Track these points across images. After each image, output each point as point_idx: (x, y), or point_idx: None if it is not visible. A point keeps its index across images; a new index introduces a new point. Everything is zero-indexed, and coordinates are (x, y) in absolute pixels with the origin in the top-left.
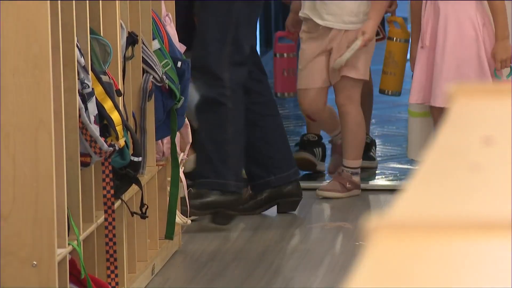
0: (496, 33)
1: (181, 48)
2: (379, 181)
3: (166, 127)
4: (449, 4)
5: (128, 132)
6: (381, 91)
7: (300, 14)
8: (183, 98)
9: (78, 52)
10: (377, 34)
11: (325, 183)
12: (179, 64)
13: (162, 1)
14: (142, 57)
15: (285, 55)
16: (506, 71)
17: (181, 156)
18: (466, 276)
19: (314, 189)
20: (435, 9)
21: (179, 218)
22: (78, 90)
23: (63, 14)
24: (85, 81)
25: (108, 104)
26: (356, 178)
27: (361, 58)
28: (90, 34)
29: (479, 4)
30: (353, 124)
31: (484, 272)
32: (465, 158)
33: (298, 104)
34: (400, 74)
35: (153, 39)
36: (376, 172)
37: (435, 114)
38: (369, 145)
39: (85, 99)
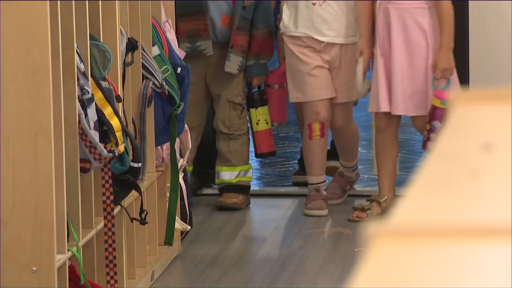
0: (440, 41)
1: (181, 54)
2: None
3: (165, 133)
4: (399, 11)
5: (128, 138)
6: None
7: (293, 34)
8: (182, 104)
9: (77, 58)
10: None
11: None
12: (178, 70)
13: (162, 7)
14: (142, 63)
15: (277, 86)
16: (444, 82)
17: (181, 162)
18: (466, 281)
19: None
20: (386, 16)
21: (179, 224)
22: (78, 96)
23: (62, 20)
24: (85, 87)
25: (107, 110)
26: (354, 173)
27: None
28: (90, 40)
29: (432, 12)
30: (349, 136)
31: (484, 278)
32: (465, 164)
33: (310, 114)
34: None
35: (153, 45)
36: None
37: (416, 122)
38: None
39: (84, 105)
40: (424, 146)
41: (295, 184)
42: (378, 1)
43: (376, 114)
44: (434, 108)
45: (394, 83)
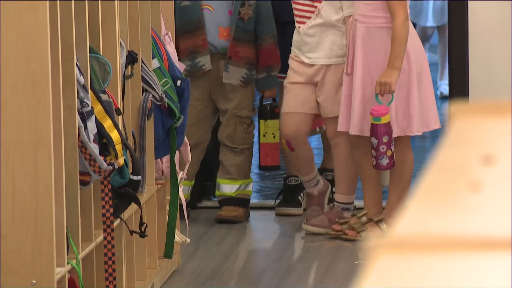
0: (389, 59)
1: (181, 66)
2: None
3: (165, 145)
4: (365, 29)
5: (128, 151)
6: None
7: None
8: (182, 116)
9: (77, 71)
10: None
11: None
12: (178, 82)
13: (162, 20)
14: (142, 75)
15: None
16: (388, 98)
17: (180, 175)
18: None
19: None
20: (353, 34)
21: (178, 237)
22: (78, 109)
23: (62, 32)
24: (85, 100)
25: (107, 123)
26: (348, 215)
27: None
28: (89, 52)
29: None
30: (344, 157)
31: None
32: (465, 176)
33: (280, 128)
34: None
35: (153, 58)
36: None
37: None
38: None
39: (84, 117)
40: (371, 163)
41: (278, 215)
42: (351, 18)
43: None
44: (371, 125)
45: (353, 102)
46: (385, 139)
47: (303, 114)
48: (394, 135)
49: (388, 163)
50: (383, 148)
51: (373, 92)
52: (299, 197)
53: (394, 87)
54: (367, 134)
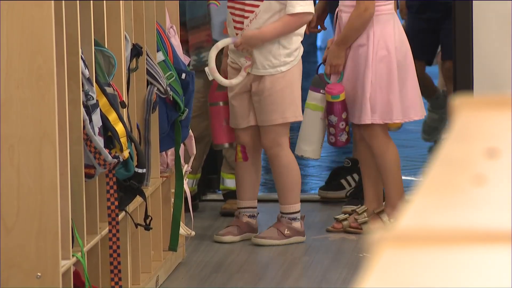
0: (337, 40)
1: (185, 59)
2: None
3: (170, 138)
4: (344, 20)
5: (132, 144)
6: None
7: (228, 61)
8: (187, 109)
9: (82, 64)
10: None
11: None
12: (183, 75)
13: (167, 13)
14: (147, 68)
15: (221, 103)
16: (336, 76)
17: (185, 168)
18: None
19: (317, 201)
20: (339, 23)
21: (183, 230)
22: (83, 102)
23: (67, 26)
24: (90, 93)
25: (112, 116)
26: (297, 224)
27: (284, 101)
28: (94, 46)
29: (377, 20)
30: (282, 167)
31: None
32: (469, 170)
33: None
34: None
35: (158, 51)
36: None
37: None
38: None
39: (89, 110)
40: (328, 140)
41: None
42: (337, 9)
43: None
44: (327, 103)
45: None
46: (344, 115)
47: (254, 127)
48: (374, 121)
49: (347, 139)
50: (342, 125)
51: (354, 81)
52: (342, 181)
53: (341, 68)
54: (354, 121)
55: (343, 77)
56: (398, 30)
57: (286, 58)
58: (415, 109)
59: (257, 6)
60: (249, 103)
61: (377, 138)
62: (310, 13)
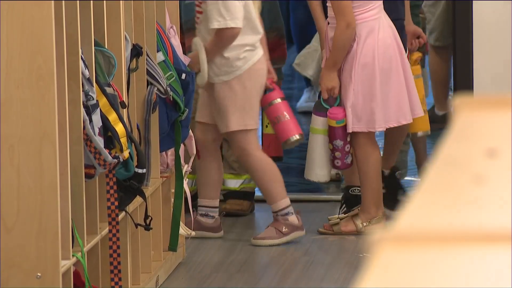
0: (327, 62)
1: (185, 60)
2: None
3: (170, 139)
4: (331, 32)
5: (132, 144)
6: (413, 135)
7: None
8: (187, 110)
9: (82, 64)
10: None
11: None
12: (183, 76)
13: (167, 13)
14: (147, 69)
15: (279, 100)
16: (333, 100)
17: (185, 168)
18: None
19: (316, 201)
20: (327, 37)
21: (183, 230)
22: (83, 102)
23: (67, 26)
24: (90, 93)
25: (112, 116)
26: (292, 218)
27: (228, 110)
28: (94, 46)
29: (362, 27)
30: (255, 172)
31: (485, 282)
32: (469, 170)
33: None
34: (425, 112)
35: (158, 51)
36: None
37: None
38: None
39: (89, 111)
40: (332, 164)
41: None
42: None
43: None
44: (331, 128)
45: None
46: (348, 138)
47: (206, 124)
48: (358, 130)
49: (352, 160)
50: (347, 148)
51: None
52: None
53: (337, 90)
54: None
55: (339, 100)
56: (383, 35)
57: (226, 68)
58: (404, 113)
59: (201, 12)
60: (208, 100)
61: (360, 147)
62: (231, 28)
